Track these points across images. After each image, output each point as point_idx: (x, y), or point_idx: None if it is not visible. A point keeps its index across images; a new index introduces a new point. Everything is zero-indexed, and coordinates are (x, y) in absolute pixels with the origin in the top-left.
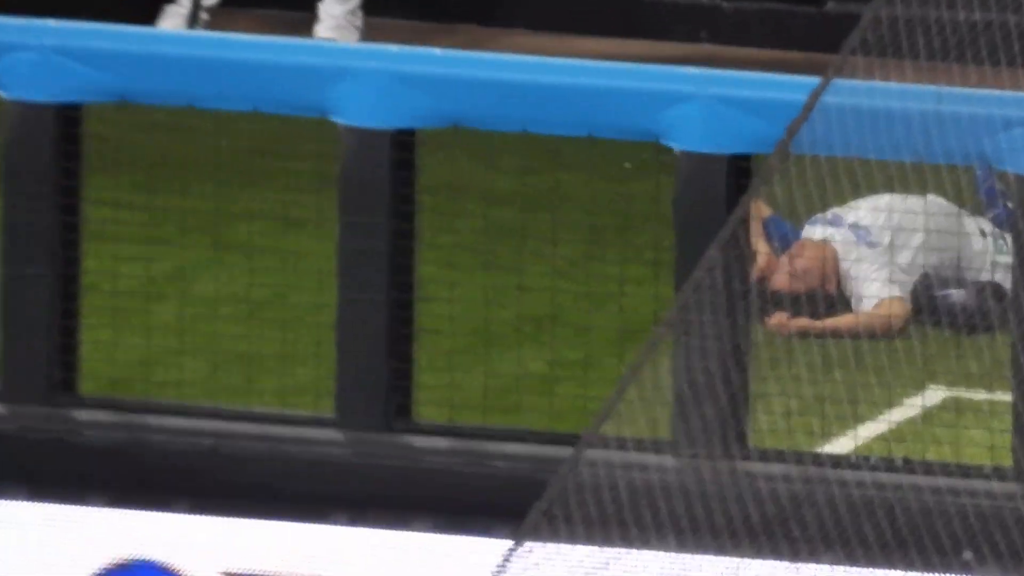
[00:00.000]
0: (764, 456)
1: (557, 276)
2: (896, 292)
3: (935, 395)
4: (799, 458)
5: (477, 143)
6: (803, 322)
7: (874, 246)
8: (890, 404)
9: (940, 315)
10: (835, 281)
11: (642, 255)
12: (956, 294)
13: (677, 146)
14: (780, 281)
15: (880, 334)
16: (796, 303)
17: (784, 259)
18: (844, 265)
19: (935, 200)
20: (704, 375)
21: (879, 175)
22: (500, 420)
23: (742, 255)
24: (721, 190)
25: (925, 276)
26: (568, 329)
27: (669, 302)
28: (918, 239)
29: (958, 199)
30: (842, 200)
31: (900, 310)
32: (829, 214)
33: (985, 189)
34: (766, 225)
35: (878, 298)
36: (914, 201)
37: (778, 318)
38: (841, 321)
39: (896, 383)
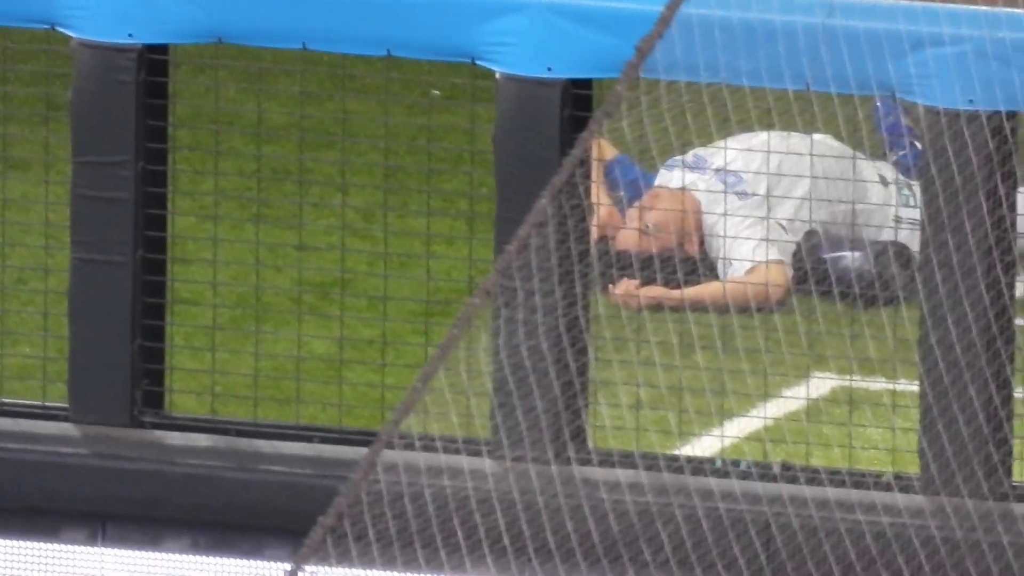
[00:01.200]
0: (607, 460)
1: (346, 232)
2: (774, 254)
3: (823, 384)
4: (651, 462)
5: (245, 64)
6: (657, 291)
7: (746, 196)
8: (766, 396)
9: (830, 283)
10: (697, 240)
11: (454, 206)
12: (850, 257)
13: (498, 69)
14: (627, 239)
15: (754, 307)
16: (648, 267)
17: (633, 212)
18: (709, 220)
19: (824, 140)
20: (532, 357)
21: (754, 108)
22: (274, 414)
23: (580, 207)
24: (554, 124)
25: (811, 234)
26: (360, 300)
27: (487, 266)
28: (802, 188)
29: (853, 139)
30: (707, 139)
31: (779, 277)
32: (690, 156)
33: (887, 125)
34: (609, 170)
35: (752, 262)
36: (798, 141)
37: (625, 286)
38: (705, 290)
39: (774, 369)
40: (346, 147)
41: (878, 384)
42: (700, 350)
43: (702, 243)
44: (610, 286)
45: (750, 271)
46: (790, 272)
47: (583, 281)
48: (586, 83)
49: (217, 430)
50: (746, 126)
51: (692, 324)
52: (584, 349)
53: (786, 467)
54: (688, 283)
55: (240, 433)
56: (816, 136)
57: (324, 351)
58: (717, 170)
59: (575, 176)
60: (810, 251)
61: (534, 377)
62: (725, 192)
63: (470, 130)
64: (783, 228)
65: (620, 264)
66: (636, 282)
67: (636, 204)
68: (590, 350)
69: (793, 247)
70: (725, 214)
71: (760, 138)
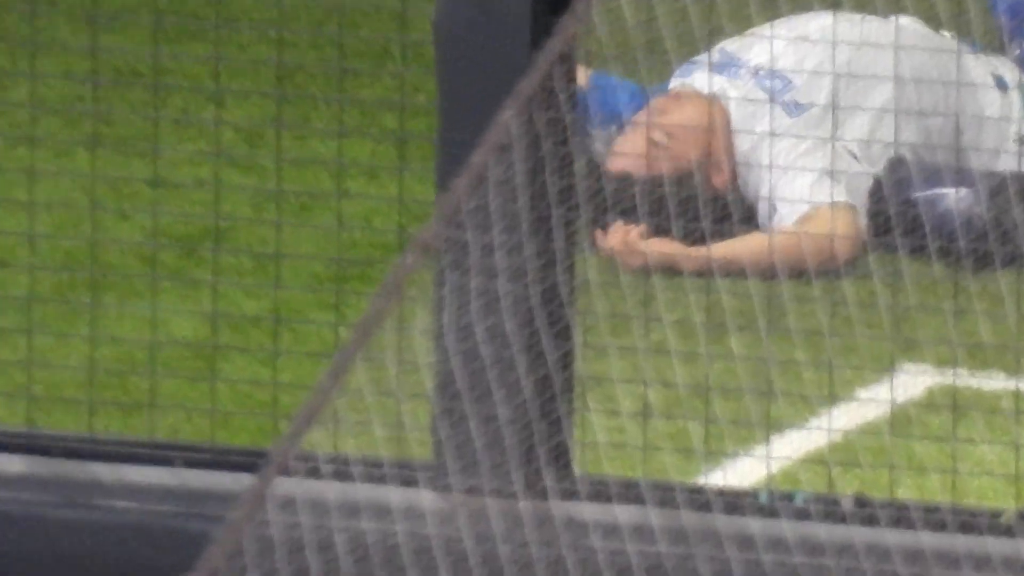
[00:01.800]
0: (601, 491)
1: (222, 162)
2: (841, 194)
3: (914, 382)
4: (664, 495)
5: None
6: (670, 246)
7: (799, 109)
8: (832, 399)
9: (924, 235)
10: (728, 170)
11: (376, 123)
12: (953, 196)
13: None
14: (626, 159)
15: (813, 270)
16: (658, 207)
17: (636, 124)
18: (744, 142)
19: (914, 26)
20: (493, 343)
21: None
22: (118, 425)
23: (560, 123)
24: (523, 8)
25: (897, 164)
26: (242, 259)
27: (426, 209)
28: (882, 96)
29: (956, 24)
30: (742, 26)
31: (849, 226)
32: (717, 53)
33: (1007, 4)
34: (580, 100)
35: (809, 203)
36: (876, 27)
37: (622, 234)
38: (741, 246)
39: (843, 361)
40: (221, 37)
41: (994, 382)
42: (735, 333)
43: (735, 176)
44: (599, 233)
45: (806, 218)
46: (864, 220)
47: (566, 232)
48: None
49: (35, 448)
50: (800, 4)
51: (723, 294)
52: (567, 331)
53: (861, 502)
54: (717, 234)
55: (69, 453)
56: (902, 20)
57: (190, 334)
58: (756, 71)
59: (553, 78)
60: (895, 188)
61: (495, 372)
62: (771, 102)
63: (399, 11)
64: (853, 156)
65: (618, 199)
66: (639, 228)
67: (641, 113)
68: (575, 332)
69: (870, 183)
70: (771, 134)
71: (819, 22)
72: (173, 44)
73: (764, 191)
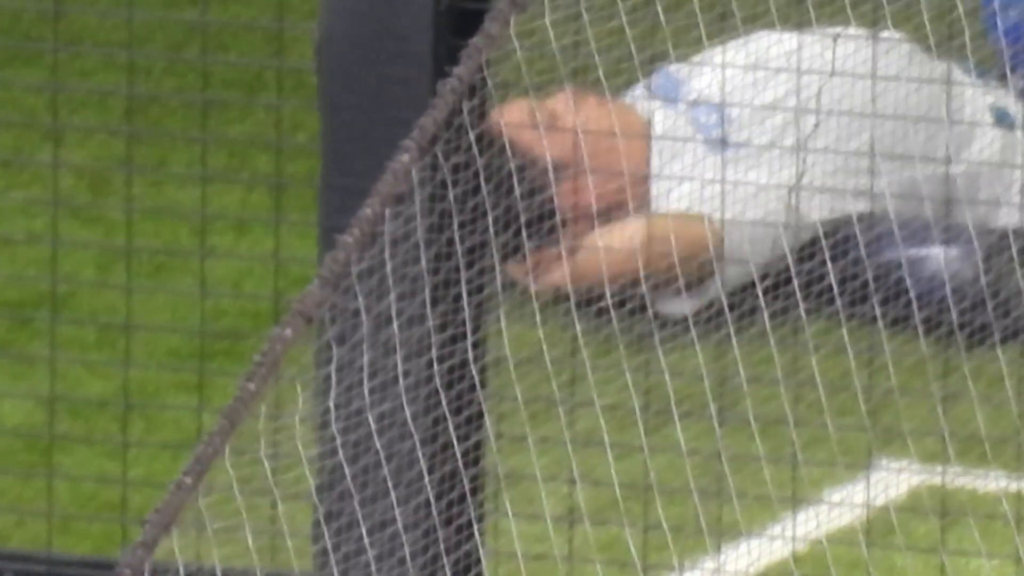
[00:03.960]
0: None
1: (60, 212)
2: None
3: (895, 480)
4: None
5: None
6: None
7: (730, 148)
8: (795, 499)
9: (907, 303)
10: (638, 182)
11: (244, 164)
12: (942, 257)
13: None
14: (526, 136)
15: (682, 278)
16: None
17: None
18: (658, 155)
19: (897, 44)
20: (387, 431)
21: None
22: None
23: (469, 165)
24: (424, 18)
25: (872, 216)
26: (86, 329)
27: (306, 270)
28: (857, 132)
29: (945, 48)
30: (689, 52)
31: (700, 231)
32: (658, 75)
33: (1007, 26)
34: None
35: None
36: (854, 48)
37: (545, 256)
38: (618, 232)
39: (809, 453)
40: (60, 62)
41: (991, 482)
42: (680, 420)
43: (619, 189)
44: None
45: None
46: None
47: (476, 299)
48: None
49: None
50: (760, 20)
51: (666, 374)
52: (478, 417)
53: None
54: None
55: None
56: (888, 34)
57: (22, 420)
58: (693, 103)
59: (462, 113)
60: (872, 246)
61: (391, 467)
62: (699, 133)
63: (275, 32)
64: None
65: (529, 182)
66: (558, 245)
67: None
68: (488, 419)
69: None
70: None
71: (783, 47)
72: (2, 69)
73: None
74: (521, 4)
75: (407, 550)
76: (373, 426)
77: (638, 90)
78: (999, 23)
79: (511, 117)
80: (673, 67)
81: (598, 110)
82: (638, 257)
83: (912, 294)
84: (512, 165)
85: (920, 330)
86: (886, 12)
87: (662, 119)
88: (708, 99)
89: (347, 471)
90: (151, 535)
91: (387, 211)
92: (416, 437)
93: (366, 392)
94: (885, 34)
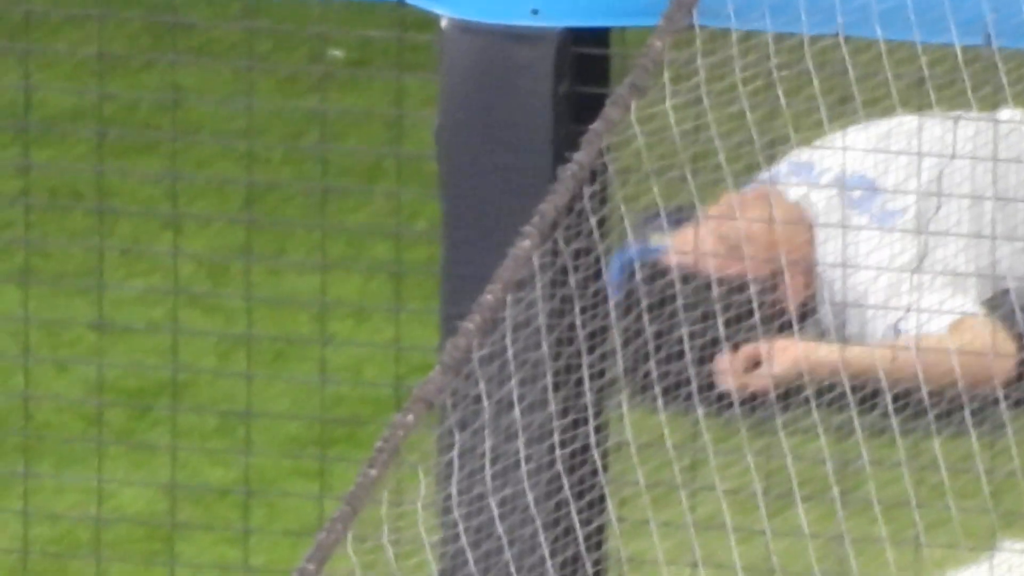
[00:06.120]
0: None
1: (180, 300)
2: (971, 306)
3: (1017, 560)
4: None
5: None
6: (798, 349)
7: (890, 217)
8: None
9: (1020, 384)
10: (804, 275)
11: (364, 252)
12: None
13: (443, 11)
14: (687, 259)
15: (967, 388)
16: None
17: (706, 221)
18: (830, 249)
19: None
20: (508, 517)
21: (895, 77)
22: None
23: (590, 250)
24: (543, 107)
25: (1000, 295)
26: (205, 416)
27: (426, 358)
28: (977, 214)
29: None
30: (809, 137)
31: (1006, 340)
32: (785, 165)
33: None
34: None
35: (957, 314)
36: (974, 130)
37: (739, 361)
38: (870, 356)
39: (932, 535)
40: (178, 151)
41: None
42: (802, 503)
43: (808, 282)
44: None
45: (956, 327)
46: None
47: (598, 383)
48: (598, 36)
49: None
50: (879, 107)
51: (788, 458)
52: (600, 502)
53: None
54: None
55: None
56: (1006, 113)
57: (143, 508)
58: (835, 177)
59: (582, 199)
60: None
61: (513, 551)
62: (852, 210)
63: (394, 118)
64: (959, 262)
65: (689, 299)
66: (756, 348)
67: (713, 207)
68: (609, 504)
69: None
70: (856, 244)
71: (904, 127)
72: (120, 159)
73: (870, 298)
74: (641, 89)
75: None
76: (495, 511)
77: (780, 175)
78: None
79: (684, 244)
80: (795, 154)
81: (776, 203)
82: (983, 363)
83: None
84: (696, 286)
85: None
86: (1007, 92)
87: (817, 196)
88: (855, 172)
89: (470, 556)
90: None
91: (508, 297)
92: (538, 522)
93: (488, 477)
94: (1008, 113)
